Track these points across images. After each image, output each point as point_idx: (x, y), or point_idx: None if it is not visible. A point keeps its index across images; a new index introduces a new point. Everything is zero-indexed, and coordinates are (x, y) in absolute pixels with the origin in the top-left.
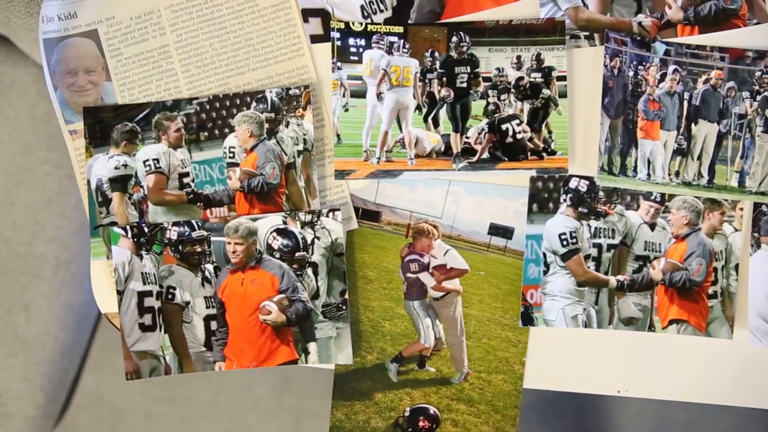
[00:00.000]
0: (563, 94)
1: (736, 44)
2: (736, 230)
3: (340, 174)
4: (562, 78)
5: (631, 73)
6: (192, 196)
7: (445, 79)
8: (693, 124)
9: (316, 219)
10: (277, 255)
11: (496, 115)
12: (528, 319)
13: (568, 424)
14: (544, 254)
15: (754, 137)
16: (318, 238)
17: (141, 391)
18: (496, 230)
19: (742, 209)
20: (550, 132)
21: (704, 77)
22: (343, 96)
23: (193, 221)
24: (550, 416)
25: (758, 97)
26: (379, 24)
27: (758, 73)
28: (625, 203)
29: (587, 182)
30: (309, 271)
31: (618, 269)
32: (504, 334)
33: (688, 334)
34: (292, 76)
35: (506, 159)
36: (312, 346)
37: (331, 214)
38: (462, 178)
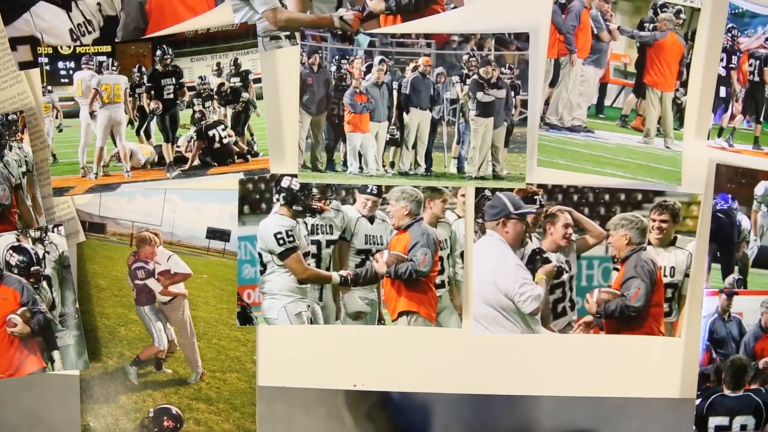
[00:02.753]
0: (262, 96)
1: (439, 29)
2: (460, 217)
3: (59, 191)
4: (260, 80)
5: (333, 68)
6: None
7: (153, 92)
8: (405, 113)
9: (44, 235)
10: (15, 271)
11: (202, 123)
12: (246, 318)
13: (492, 421)
14: (260, 254)
15: (468, 121)
16: (48, 253)
17: (78, 407)
18: (213, 234)
19: (464, 195)
20: (252, 134)
21: (412, 65)
22: (56, 117)
23: None
24: (472, 416)
25: (468, 81)
26: (88, 45)
27: (465, 57)
28: (340, 198)
29: (300, 180)
30: (44, 283)
31: (340, 264)
32: (233, 333)
33: (418, 325)
34: (14, 102)
35: (216, 164)
36: (56, 354)
37: (56, 229)
38: (177, 186)
